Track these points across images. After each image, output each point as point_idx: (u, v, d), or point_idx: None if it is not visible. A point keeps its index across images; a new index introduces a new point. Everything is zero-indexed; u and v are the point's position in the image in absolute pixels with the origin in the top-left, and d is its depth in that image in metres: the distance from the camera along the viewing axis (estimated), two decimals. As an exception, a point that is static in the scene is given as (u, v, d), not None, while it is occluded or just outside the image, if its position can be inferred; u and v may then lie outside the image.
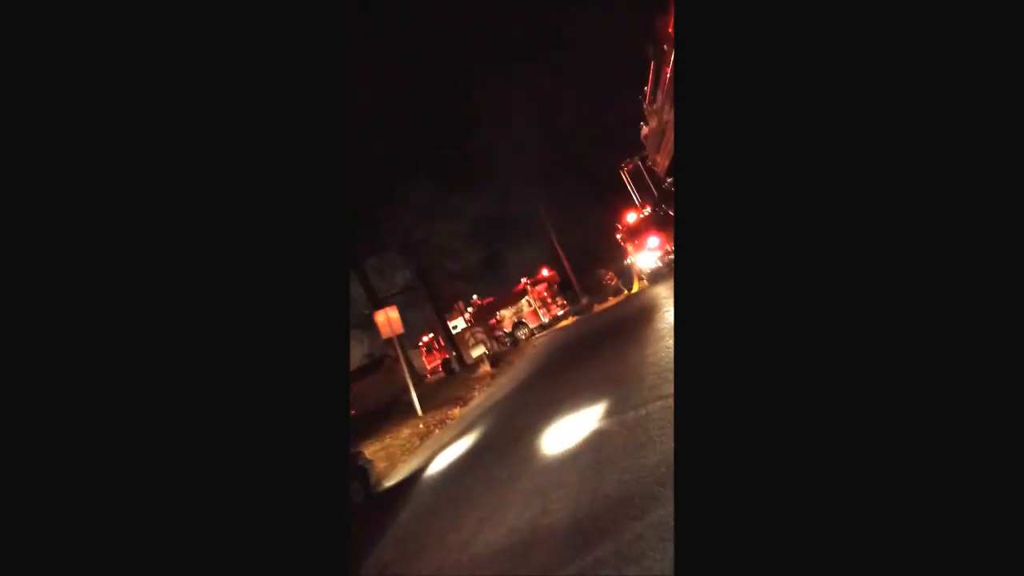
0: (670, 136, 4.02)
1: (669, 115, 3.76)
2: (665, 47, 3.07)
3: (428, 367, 24.26)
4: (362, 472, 6.09)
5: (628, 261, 18.94)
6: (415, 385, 11.64)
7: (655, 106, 3.99)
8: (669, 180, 4.50)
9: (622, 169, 11.51)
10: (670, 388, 4.18)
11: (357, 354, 24.37)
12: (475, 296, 22.81)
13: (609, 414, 4.37)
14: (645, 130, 4.94)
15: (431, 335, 24.30)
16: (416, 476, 6.19)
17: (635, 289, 17.45)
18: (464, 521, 3.66)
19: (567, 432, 4.52)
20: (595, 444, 3.81)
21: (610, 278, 20.91)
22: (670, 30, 2.89)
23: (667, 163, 4.72)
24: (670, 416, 3.48)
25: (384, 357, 17.92)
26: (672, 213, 5.31)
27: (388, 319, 10.17)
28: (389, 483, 6.55)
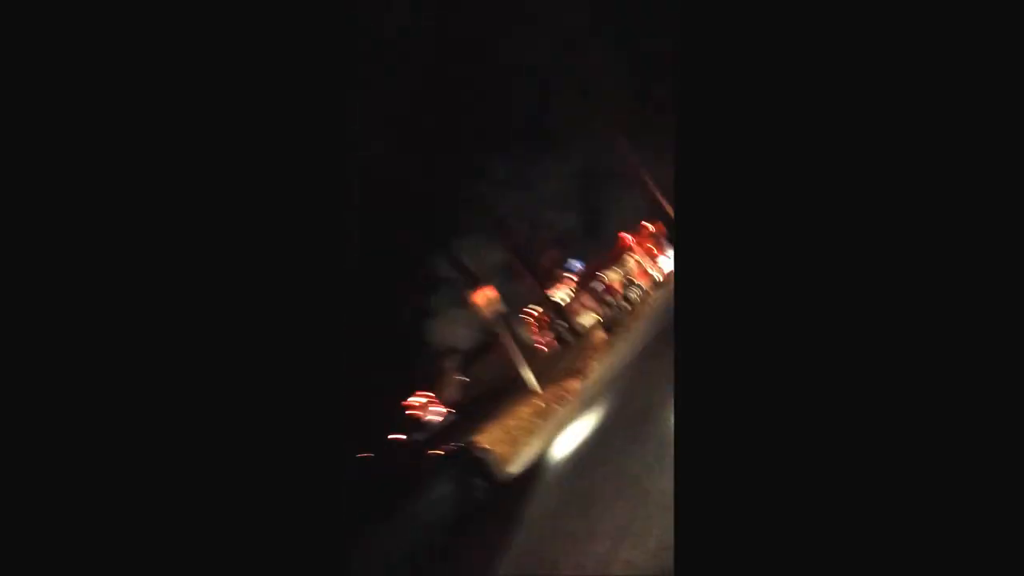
0: None
1: None
2: None
3: (540, 340, 24.21)
4: (480, 465, 5.71)
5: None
6: (529, 360, 11.39)
7: None
8: None
9: None
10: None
11: (469, 335, 25.02)
12: (577, 262, 22.14)
13: (760, 385, 3.56)
14: None
15: (540, 308, 24.15)
16: (540, 462, 5.83)
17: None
18: (599, 528, 3.14)
19: (708, 410, 3.78)
20: (750, 428, 3.06)
21: None
22: None
23: None
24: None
25: (495, 336, 18.01)
26: None
27: (487, 299, 10.00)
28: (514, 469, 6.28)
